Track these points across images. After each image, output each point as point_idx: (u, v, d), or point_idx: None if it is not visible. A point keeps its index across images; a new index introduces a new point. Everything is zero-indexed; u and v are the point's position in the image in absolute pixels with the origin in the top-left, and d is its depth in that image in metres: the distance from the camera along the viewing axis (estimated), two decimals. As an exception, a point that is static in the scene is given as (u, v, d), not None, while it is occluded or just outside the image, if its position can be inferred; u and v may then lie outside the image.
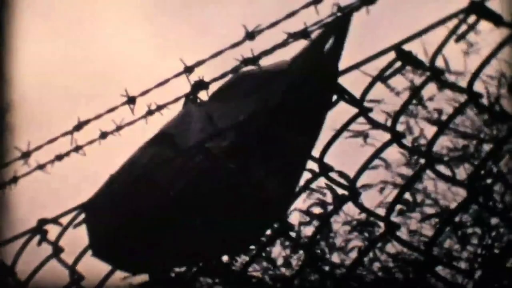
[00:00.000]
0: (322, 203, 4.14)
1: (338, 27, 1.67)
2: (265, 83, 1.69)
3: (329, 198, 4.14)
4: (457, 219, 3.75)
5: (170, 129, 1.68)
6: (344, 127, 1.54)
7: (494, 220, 3.95)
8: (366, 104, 1.54)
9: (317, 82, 1.60)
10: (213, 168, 1.50)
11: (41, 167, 2.24)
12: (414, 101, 3.63)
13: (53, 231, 1.91)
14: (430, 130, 4.22)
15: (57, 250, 1.89)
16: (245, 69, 1.86)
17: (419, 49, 1.59)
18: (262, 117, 1.54)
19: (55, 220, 1.90)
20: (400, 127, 1.54)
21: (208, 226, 1.49)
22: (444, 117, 4.03)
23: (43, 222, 1.93)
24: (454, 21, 1.44)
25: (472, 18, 1.42)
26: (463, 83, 1.43)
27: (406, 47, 1.50)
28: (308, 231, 4.18)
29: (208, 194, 1.49)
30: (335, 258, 4.23)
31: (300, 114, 1.59)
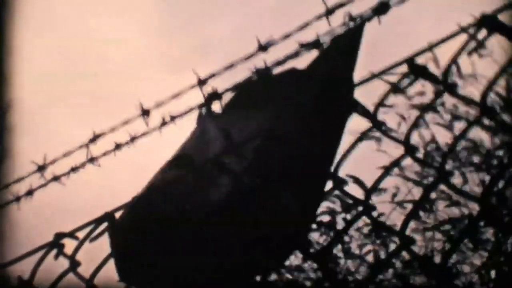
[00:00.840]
0: (331, 212, 4.12)
1: (351, 38, 1.68)
2: (279, 92, 1.70)
3: (337, 206, 4.12)
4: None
5: (189, 150, 1.68)
6: (357, 141, 1.54)
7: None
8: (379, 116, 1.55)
9: (335, 91, 1.60)
10: (236, 187, 1.50)
11: (56, 178, 2.26)
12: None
13: (70, 245, 1.93)
14: (440, 134, 4.22)
15: (74, 264, 1.90)
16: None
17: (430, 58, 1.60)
18: (281, 132, 1.54)
19: (71, 234, 1.91)
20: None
21: (234, 247, 1.49)
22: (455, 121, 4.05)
23: (60, 236, 1.94)
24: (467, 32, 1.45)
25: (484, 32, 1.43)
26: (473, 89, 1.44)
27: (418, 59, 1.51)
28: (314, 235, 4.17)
29: (232, 214, 1.49)
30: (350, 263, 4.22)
31: (320, 124, 1.59)
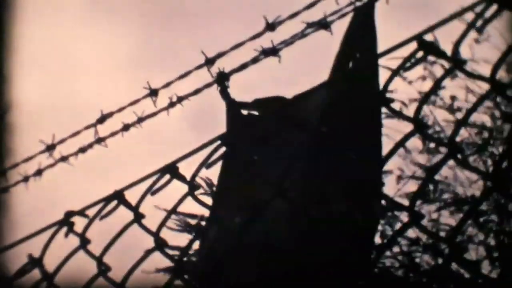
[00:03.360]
0: None
1: (363, 22, 1.66)
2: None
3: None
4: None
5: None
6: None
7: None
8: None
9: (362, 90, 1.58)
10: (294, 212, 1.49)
11: (64, 159, 2.26)
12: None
13: (79, 223, 1.94)
14: (443, 118, 4.23)
15: (84, 242, 1.91)
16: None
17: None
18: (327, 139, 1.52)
19: (81, 212, 1.92)
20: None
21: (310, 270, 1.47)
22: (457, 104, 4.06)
23: (70, 214, 1.95)
24: (476, 9, 1.46)
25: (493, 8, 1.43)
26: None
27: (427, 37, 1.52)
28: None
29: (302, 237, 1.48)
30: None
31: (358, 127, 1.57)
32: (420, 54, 1.51)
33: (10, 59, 2.06)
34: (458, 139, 1.42)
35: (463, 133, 4.24)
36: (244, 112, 1.80)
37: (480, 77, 1.43)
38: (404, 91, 3.97)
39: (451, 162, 1.45)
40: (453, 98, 4.18)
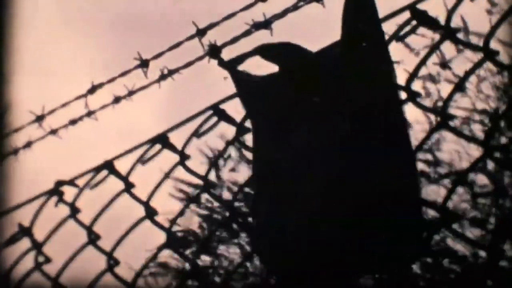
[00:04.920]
0: None
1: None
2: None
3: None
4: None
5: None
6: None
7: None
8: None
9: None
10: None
11: (54, 131, 2.25)
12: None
13: (69, 193, 1.93)
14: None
15: (74, 211, 1.91)
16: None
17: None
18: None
19: (71, 182, 1.92)
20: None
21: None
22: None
23: (59, 183, 1.95)
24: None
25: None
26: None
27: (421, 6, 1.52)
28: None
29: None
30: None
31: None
32: (413, 23, 1.51)
33: (10, 59, 2.04)
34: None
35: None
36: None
37: (473, 46, 1.44)
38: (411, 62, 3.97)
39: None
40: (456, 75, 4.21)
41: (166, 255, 4.41)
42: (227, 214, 4.27)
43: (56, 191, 1.94)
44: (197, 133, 1.76)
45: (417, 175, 1.56)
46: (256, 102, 1.68)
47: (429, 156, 4.28)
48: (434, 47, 1.48)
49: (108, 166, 1.86)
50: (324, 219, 1.46)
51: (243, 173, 4.95)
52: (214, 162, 4.66)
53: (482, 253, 4.06)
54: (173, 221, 1.81)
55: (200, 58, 1.96)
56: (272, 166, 1.58)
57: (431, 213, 1.45)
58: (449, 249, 3.98)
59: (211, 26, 1.98)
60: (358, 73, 1.52)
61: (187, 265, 4.34)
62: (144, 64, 2.06)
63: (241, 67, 1.77)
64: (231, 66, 1.75)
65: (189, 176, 1.78)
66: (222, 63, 1.80)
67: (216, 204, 4.82)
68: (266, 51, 1.69)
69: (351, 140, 1.47)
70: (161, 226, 1.76)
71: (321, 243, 1.47)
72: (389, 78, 1.50)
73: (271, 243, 1.54)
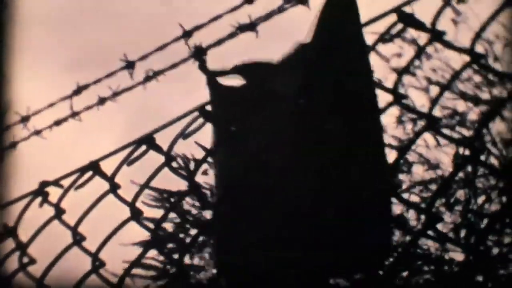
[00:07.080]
0: None
1: None
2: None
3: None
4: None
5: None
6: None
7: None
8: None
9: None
10: None
11: (38, 132, 2.24)
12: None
13: (54, 193, 1.92)
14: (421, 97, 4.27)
15: (59, 212, 1.90)
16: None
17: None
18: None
19: (56, 182, 1.91)
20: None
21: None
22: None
23: (44, 184, 1.94)
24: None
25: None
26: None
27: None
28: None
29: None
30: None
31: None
32: (399, 26, 1.52)
33: (10, 59, 2.03)
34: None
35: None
36: (226, 81, 1.78)
37: (459, 49, 1.44)
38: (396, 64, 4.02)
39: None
40: (428, 79, 4.25)
41: (151, 256, 4.41)
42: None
43: (41, 192, 1.94)
44: (183, 135, 1.76)
45: (389, 174, 1.57)
46: (226, 109, 1.70)
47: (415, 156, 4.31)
48: (421, 50, 1.49)
49: (94, 167, 1.85)
50: (294, 222, 1.48)
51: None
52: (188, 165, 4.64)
53: (457, 255, 4.09)
54: (158, 223, 1.81)
55: (185, 60, 1.96)
56: (235, 177, 1.60)
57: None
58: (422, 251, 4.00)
59: (197, 27, 1.98)
60: (333, 74, 1.53)
61: (170, 266, 4.34)
62: (130, 65, 2.06)
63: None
64: (209, 73, 1.76)
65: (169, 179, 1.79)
66: (202, 68, 1.81)
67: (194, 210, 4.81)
68: (240, 70, 1.72)
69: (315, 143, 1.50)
70: (146, 227, 1.76)
71: (290, 247, 1.48)
72: (367, 76, 1.52)
73: (234, 256, 1.55)
